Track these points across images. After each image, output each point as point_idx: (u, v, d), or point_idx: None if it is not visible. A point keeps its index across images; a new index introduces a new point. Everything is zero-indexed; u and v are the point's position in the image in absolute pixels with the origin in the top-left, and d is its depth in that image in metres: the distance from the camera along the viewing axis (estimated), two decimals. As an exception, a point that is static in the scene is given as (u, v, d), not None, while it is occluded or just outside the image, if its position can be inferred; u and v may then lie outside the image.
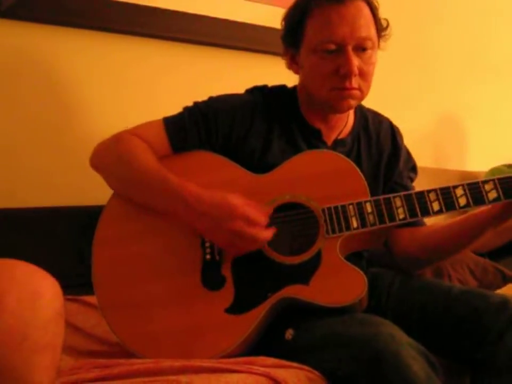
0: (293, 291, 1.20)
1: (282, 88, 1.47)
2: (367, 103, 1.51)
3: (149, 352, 1.18)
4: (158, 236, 1.28)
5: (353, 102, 1.34)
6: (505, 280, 1.74)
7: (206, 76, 1.96)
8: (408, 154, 1.53)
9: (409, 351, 1.02)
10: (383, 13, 1.37)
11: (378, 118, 1.52)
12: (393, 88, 2.52)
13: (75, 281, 1.35)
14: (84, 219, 1.55)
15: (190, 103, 1.40)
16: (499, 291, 1.72)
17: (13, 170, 1.62)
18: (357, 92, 1.32)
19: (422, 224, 1.43)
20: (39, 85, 1.67)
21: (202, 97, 1.40)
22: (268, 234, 1.22)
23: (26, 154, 1.65)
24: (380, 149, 1.47)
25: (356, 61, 1.28)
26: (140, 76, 1.84)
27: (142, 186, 1.28)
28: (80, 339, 1.33)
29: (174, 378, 0.97)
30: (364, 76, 1.31)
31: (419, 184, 1.48)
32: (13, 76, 1.63)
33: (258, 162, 1.34)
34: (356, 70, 1.28)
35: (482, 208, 1.28)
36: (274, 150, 1.36)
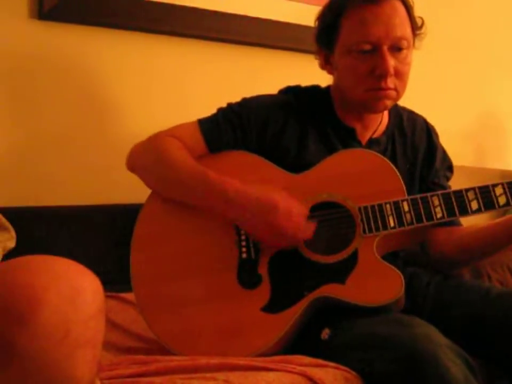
0: (329, 290, 1.20)
1: (316, 88, 1.46)
2: (406, 102, 1.50)
3: (186, 349, 1.19)
4: (195, 234, 1.30)
5: (389, 102, 1.34)
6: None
7: (240, 76, 1.97)
8: (444, 153, 1.51)
9: (447, 352, 1.01)
10: (419, 11, 1.36)
11: (413, 116, 1.51)
12: (432, 86, 2.49)
13: (115, 278, 1.37)
14: (123, 217, 1.58)
15: (224, 104, 1.41)
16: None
17: (52, 168, 1.66)
18: (392, 92, 1.31)
19: (459, 224, 1.41)
20: (80, 85, 1.70)
21: (236, 97, 1.41)
22: (308, 230, 1.23)
23: (67, 153, 1.68)
24: (415, 148, 1.46)
25: (391, 61, 1.27)
26: (176, 76, 1.86)
27: (180, 183, 1.30)
28: (119, 335, 1.35)
29: (210, 376, 0.97)
30: (400, 76, 1.30)
31: (458, 183, 1.45)
32: (56, 77, 1.67)
33: (294, 162, 1.34)
34: (391, 70, 1.27)
35: None
36: (309, 149, 1.35)
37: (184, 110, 1.63)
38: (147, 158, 1.36)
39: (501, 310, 1.23)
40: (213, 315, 1.23)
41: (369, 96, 1.31)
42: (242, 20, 1.95)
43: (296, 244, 1.24)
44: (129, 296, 1.39)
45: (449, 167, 1.52)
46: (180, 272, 1.27)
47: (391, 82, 1.29)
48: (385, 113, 1.44)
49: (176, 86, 1.86)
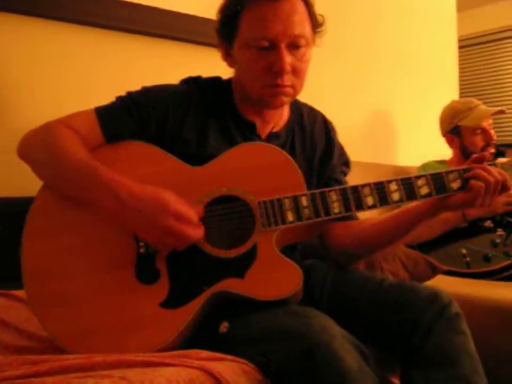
0: (228, 285, 1.20)
1: (217, 80, 1.45)
2: (305, 99, 1.52)
3: (82, 347, 1.15)
4: (91, 228, 1.25)
5: (285, 99, 1.35)
6: (435, 272, 1.80)
7: (141, 66, 1.93)
8: (342, 149, 1.55)
9: (342, 342, 1.04)
10: (323, 11, 1.37)
11: (313, 112, 1.53)
12: (330, 84, 2.56)
13: (5, 275, 1.31)
14: (12, 210, 1.50)
15: (123, 93, 1.37)
16: (429, 282, 1.77)
17: None
18: (289, 89, 1.32)
19: (355, 218, 1.45)
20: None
21: (136, 87, 1.38)
22: (199, 232, 1.21)
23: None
24: (314, 143, 1.48)
25: (288, 59, 1.28)
26: (74, 64, 1.80)
27: (71, 179, 1.24)
28: (9, 335, 1.28)
29: (107, 373, 0.95)
30: (297, 73, 1.31)
31: (354, 178, 1.50)
32: None
33: (194, 154, 1.32)
34: (288, 68, 1.28)
35: (415, 202, 1.32)
36: (210, 142, 1.35)
37: (85, 98, 1.57)
38: (38, 148, 1.28)
39: (393, 301, 1.29)
40: (109, 311, 1.20)
41: (266, 92, 1.31)
42: (143, 10, 1.91)
43: (185, 247, 1.21)
44: (21, 293, 1.32)
45: (346, 163, 1.56)
46: (74, 267, 1.23)
47: (287, 79, 1.30)
48: (286, 108, 1.46)
49: (76, 74, 1.80)
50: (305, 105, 1.53)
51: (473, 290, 1.79)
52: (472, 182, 1.25)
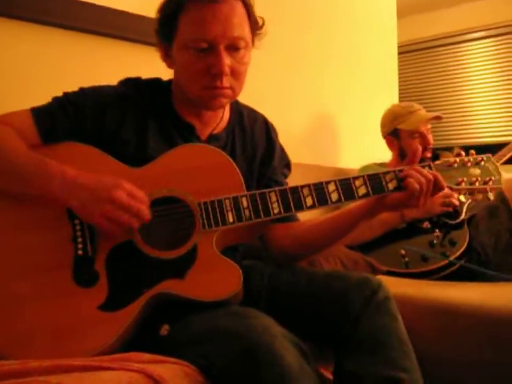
0: (168, 286, 1.20)
1: (156, 81, 1.44)
2: (247, 102, 1.53)
3: (18, 353, 1.12)
4: (27, 231, 1.22)
5: (224, 101, 1.35)
6: (374, 272, 1.83)
7: (78, 64, 1.89)
8: (283, 151, 1.56)
9: (282, 342, 1.04)
10: (262, 13, 1.38)
11: (253, 114, 1.54)
12: (272, 87, 2.57)
13: None
14: None
15: (59, 93, 1.34)
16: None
17: None
18: (228, 91, 1.32)
19: (296, 219, 1.47)
20: None
21: (74, 87, 1.35)
22: (148, 212, 1.20)
23: None
24: (255, 145, 1.49)
25: (227, 60, 1.28)
26: (11, 61, 1.74)
27: (16, 172, 1.21)
28: None
29: (43, 379, 0.93)
30: (236, 75, 1.31)
31: (296, 180, 1.50)
32: None
33: (133, 155, 1.31)
34: (227, 70, 1.28)
35: (355, 203, 1.35)
36: (149, 143, 1.33)
37: (21, 97, 1.53)
38: None
39: (325, 291, 1.30)
40: (46, 316, 1.17)
41: (205, 94, 1.32)
42: (86, 7, 1.87)
43: (135, 224, 1.19)
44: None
45: (287, 165, 1.57)
46: (9, 270, 1.19)
47: (226, 81, 1.30)
48: (226, 109, 1.46)
49: (13, 71, 1.75)
50: (245, 106, 1.53)
51: (412, 290, 1.83)
52: (406, 182, 1.28)
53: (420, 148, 1.34)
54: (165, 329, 1.19)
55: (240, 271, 1.20)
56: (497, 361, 1.56)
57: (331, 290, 1.29)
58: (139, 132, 1.34)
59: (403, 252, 2.14)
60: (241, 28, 1.30)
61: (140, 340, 1.20)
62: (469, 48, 5.47)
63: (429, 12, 5.48)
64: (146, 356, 1.08)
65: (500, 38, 5.29)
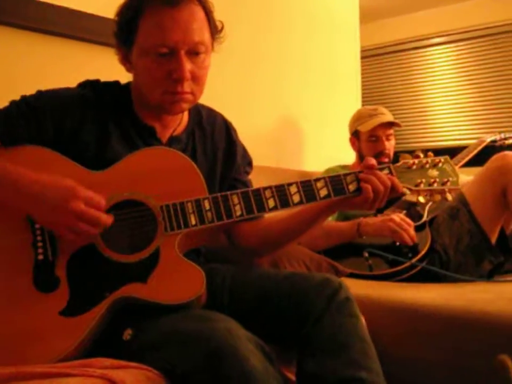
0: (130, 290, 1.19)
1: (116, 84, 1.43)
2: (210, 105, 1.52)
3: (-24, 360, 1.10)
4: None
5: (185, 106, 1.35)
6: (338, 274, 1.84)
7: (36, 66, 1.85)
8: (244, 149, 1.57)
9: (246, 344, 1.05)
10: (224, 16, 1.38)
11: (212, 114, 1.54)
12: (236, 90, 2.57)
13: None
14: None
15: (17, 96, 1.32)
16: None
17: None
18: (189, 96, 1.32)
19: (261, 217, 1.47)
20: None
21: (31, 88, 1.34)
22: (108, 218, 1.19)
23: None
24: (215, 145, 1.49)
25: (188, 66, 1.28)
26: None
27: None
28: None
29: (2, 387, 0.92)
30: (197, 80, 1.32)
31: (260, 184, 1.50)
32: None
33: (94, 159, 1.29)
34: (188, 75, 1.28)
35: (317, 204, 1.36)
36: (110, 146, 1.32)
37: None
38: None
39: (288, 291, 1.30)
40: (6, 321, 1.15)
41: (166, 99, 1.31)
42: (39, 6, 1.83)
43: (95, 233, 1.19)
44: None
45: (249, 163, 1.58)
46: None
47: (187, 86, 1.30)
48: (186, 111, 1.45)
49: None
50: (204, 107, 1.53)
51: (375, 292, 1.85)
52: (362, 186, 1.30)
53: (372, 160, 1.34)
54: (127, 334, 1.18)
55: (203, 274, 1.20)
56: (458, 362, 1.58)
57: (292, 291, 1.29)
58: (99, 135, 1.32)
59: (367, 254, 2.16)
60: (202, 33, 1.30)
61: (104, 345, 1.19)
62: (431, 53, 5.57)
63: (392, 17, 5.56)
64: (109, 361, 1.07)
65: (460, 43, 5.39)
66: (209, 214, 1.26)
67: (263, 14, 2.84)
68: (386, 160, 2.63)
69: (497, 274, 2.20)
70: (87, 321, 1.16)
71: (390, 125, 2.66)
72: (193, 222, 1.25)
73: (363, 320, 1.28)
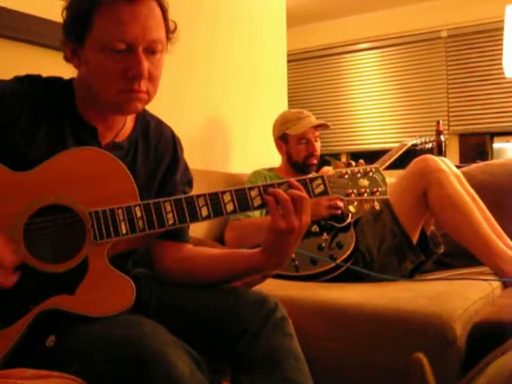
0: (57, 302, 1.14)
1: (58, 80, 1.35)
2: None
3: None
4: None
5: (140, 105, 1.29)
6: (264, 276, 1.85)
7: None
8: (186, 167, 1.51)
9: (174, 349, 1.04)
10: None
11: (160, 126, 1.48)
12: (163, 92, 2.54)
13: None
14: None
15: None
16: (259, 287, 1.83)
17: None
18: (144, 95, 1.27)
19: (187, 241, 1.44)
20: None
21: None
22: (10, 279, 1.12)
23: None
24: (159, 158, 1.43)
25: (146, 63, 1.23)
26: None
27: None
28: None
29: None
30: (152, 79, 1.27)
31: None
32: None
33: (21, 158, 1.21)
34: (146, 73, 1.23)
35: (252, 251, 1.32)
36: (39, 145, 1.24)
37: None
38: None
39: (223, 307, 1.30)
40: None
41: (121, 98, 1.25)
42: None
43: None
44: None
45: (189, 182, 1.51)
46: None
47: (144, 85, 1.24)
48: (130, 117, 1.40)
49: None
50: (153, 117, 1.48)
51: (301, 292, 1.87)
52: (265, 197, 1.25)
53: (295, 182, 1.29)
54: (51, 340, 1.13)
55: (133, 285, 1.17)
56: (382, 360, 1.62)
57: (228, 308, 1.29)
58: (30, 133, 1.24)
59: (293, 255, 2.19)
60: (159, 31, 1.26)
61: (26, 353, 1.14)
62: (356, 58, 5.71)
63: (319, 22, 5.65)
64: (30, 372, 1.03)
65: (384, 49, 5.55)
66: (140, 222, 1.20)
67: (191, 15, 2.83)
68: (315, 161, 2.69)
69: (418, 273, 2.29)
70: (10, 334, 1.11)
71: (318, 126, 2.72)
72: (124, 231, 1.19)
73: (296, 338, 1.30)
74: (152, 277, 1.43)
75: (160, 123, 1.50)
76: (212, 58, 2.98)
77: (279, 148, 2.77)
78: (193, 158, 2.62)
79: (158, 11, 1.26)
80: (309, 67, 5.93)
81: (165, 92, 2.53)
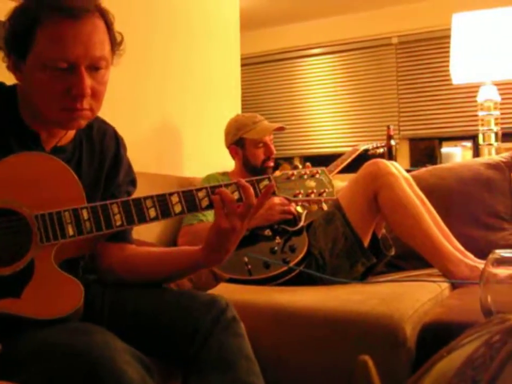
0: (2, 305, 1.12)
1: (0, 85, 1.34)
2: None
3: None
4: None
5: (83, 122, 1.28)
6: (217, 280, 1.85)
7: None
8: (130, 167, 1.51)
9: (123, 356, 1.03)
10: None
11: (103, 127, 1.47)
12: (117, 96, 2.51)
13: None
14: None
15: None
16: (212, 291, 1.82)
17: None
18: (87, 113, 1.26)
19: (132, 241, 1.44)
20: None
21: None
22: None
23: None
24: (103, 158, 1.43)
25: (88, 82, 1.21)
26: None
27: None
28: None
29: None
30: (96, 96, 1.26)
31: (140, 190, 1.49)
32: None
33: None
34: (88, 92, 1.22)
35: (194, 248, 1.34)
36: None
37: None
38: None
39: (174, 310, 1.29)
40: None
41: (63, 116, 1.24)
42: None
43: None
44: None
45: (132, 181, 1.51)
46: None
47: (87, 103, 1.23)
48: None
49: None
50: (96, 119, 1.45)
51: (254, 296, 1.88)
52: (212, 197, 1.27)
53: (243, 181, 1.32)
54: (-1, 349, 1.11)
55: (81, 286, 1.16)
56: (334, 362, 1.64)
57: (179, 309, 1.29)
58: None
59: (246, 259, 2.19)
60: (103, 47, 1.24)
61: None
62: (309, 63, 5.77)
63: (272, 27, 5.69)
64: (-23, 381, 1.01)
65: (337, 55, 5.63)
66: (87, 224, 1.20)
67: (146, 20, 2.81)
68: (272, 164, 2.71)
69: (370, 275, 2.32)
70: None
71: (276, 130, 2.75)
72: (71, 233, 1.19)
73: (247, 338, 1.30)
74: (103, 283, 1.41)
75: (103, 124, 1.48)
76: (166, 61, 2.96)
77: (234, 152, 2.76)
78: (147, 161, 2.62)
79: (102, 26, 1.25)
80: (262, 71, 5.96)
81: (119, 96, 2.53)
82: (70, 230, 1.19)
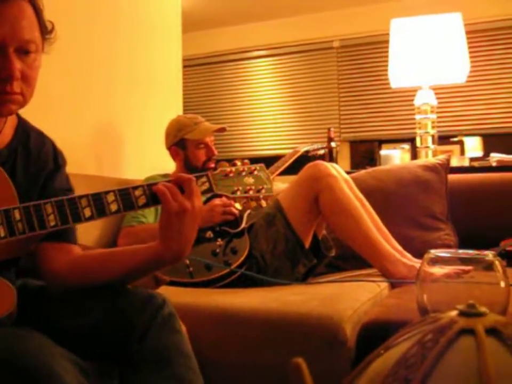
0: None
1: None
2: (28, 110, 1.43)
3: None
4: None
5: (14, 107, 1.25)
6: (158, 283, 1.83)
7: None
8: (67, 178, 1.47)
9: (60, 361, 1.01)
10: (53, 19, 1.31)
11: (41, 137, 1.43)
12: (56, 96, 2.46)
13: None
14: None
15: None
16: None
17: None
18: (19, 97, 1.23)
19: (75, 242, 1.40)
20: None
21: None
22: None
23: None
24: (40, 169, 1.39)
25: (18, 64, 1.19)
26: None
27: None
28: None
29: None
30: (27, 80, 1.23)
31: (79, 192, 1.44)
32: None
33: None
34: (18, 74, 1.19)
35: (149, 243, 1.31)
36: None
37: None
38: None
39: (110, 308, 1.26)
40: None
41: None
42: None
43: None
44: None
45: (70, 189, 1.46)
46: None
47: (17, 86, 1.21)
48: (8, 125, 1.35)
49: None
50: (33, 128, 1.43)
51: (195, 299, 1.86)
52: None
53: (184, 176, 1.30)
54: None
55: (14, 290, 1.14)
56: (276, 363, 1.63)
57: (115, 307, 1.26)
58: None
59: (187, 261, 2.17)
60: (32, 31, 1.22)
61: None
62: (251, 65, 5.79)
63: (213, 29, 5.69)
64: None
65: (278, 57, 5.68)
66: (19, 224, 1.16)
67: (86, 18, 2.76)
68: (213, 165, 2.70)
69: (311, 276, 2.34)
70: None
71: (218, 130, 2.75)
72: (2, 234, 1.15)
73: (186, 335, 1.29)
74: (39, 287, 1.37)
75: (40, 135, 1.45)
76: (108, 62, 2.92)
77: (175, 154, 2.74)
78: (85, 163, 2.57)
79: (30, 11, 1.23)
80: (204, 73, 5.95)
81: (57, 96, 2.47)
82: (1, 231, 1.15)
